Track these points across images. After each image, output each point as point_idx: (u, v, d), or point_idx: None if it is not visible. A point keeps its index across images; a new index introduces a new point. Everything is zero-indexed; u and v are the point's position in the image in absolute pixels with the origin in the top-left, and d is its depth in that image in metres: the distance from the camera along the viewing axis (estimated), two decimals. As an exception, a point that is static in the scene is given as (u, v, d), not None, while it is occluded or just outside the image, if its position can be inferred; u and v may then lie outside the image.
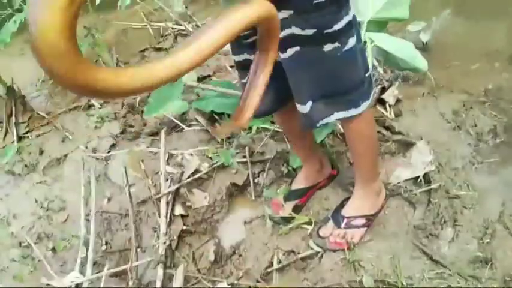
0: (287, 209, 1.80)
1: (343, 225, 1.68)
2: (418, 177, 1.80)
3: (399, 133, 2.04)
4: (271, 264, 1.72)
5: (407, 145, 1.96)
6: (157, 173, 2.08)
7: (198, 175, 2.00)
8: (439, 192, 1.74)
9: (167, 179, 1.99)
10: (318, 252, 1.70)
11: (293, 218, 1.78)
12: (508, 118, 2.04)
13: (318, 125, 1.38)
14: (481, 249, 1.58)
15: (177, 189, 1.98)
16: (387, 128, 2.08)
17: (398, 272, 1.57)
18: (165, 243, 1.78)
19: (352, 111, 1.35)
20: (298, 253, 1.72)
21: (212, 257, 1.78)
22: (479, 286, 1.49)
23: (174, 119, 2.35)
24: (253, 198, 1.96)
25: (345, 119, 1.38)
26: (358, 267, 1.62)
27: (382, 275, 1.58)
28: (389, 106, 2.19)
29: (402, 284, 1.54)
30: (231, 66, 2.62)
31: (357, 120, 1.40)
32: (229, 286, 1.62)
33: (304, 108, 1.33)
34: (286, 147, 2.04)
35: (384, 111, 2.17)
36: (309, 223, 1.77)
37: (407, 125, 2.09)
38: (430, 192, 1.75)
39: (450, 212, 1.69)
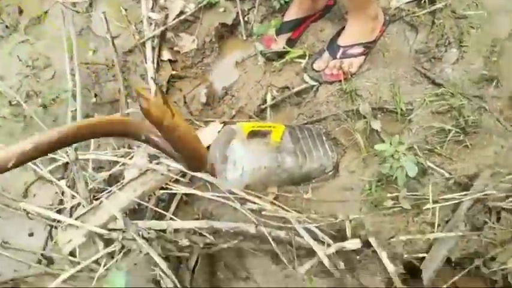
0: (280, 43, 1.67)
1: (339, 55, 1.57)
2: (422, -3, 1.63)
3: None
4: (265, 101, 1.65)
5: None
6: (142, 21, 1.94)
7: (183, 17, 1.84)
8: (444, 12, 1.58)
9: (151, 24, 1.85)
10: (313, 85, 1.61)
11: (286, 51, 1.66)
12: None
13: None
14: (487, 68, 1.47)
15: (163, 34, 1.85)
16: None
17: (397, 99, 1.48)
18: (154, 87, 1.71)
19: None
20: (293, 88, 1.64)
21: (204, 99, 1.71)
22: (482, 105, 1.41)
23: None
24: (244, 38, 1.83)
25: None
26: (355, 96, 1.54)
27: (381, 102, 1.50)
28: None
29: (402, 109, 1.47)
30: None
31: None
32: (222, 124, 1.57)
33: None
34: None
35: None
36: (303, 56, 1.65)
37: None
38: (434, 13, 1.59)
39: (456, 32, 1.55)
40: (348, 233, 1.28)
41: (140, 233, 1.27)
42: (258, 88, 1.69)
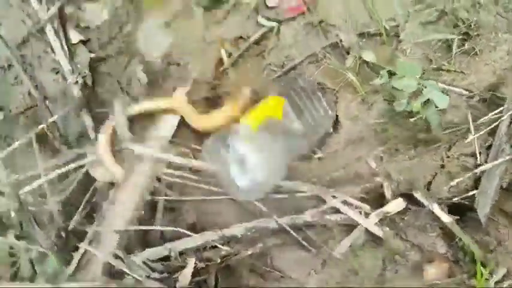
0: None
1: (295, -18, 1.28)
2: None
3: None
4: (220, 61, 1.35)
5: None
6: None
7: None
8: None
9: (41, 1, 1.43)
10: (273, 27, 1.32)
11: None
12: None
13: None
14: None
15: (61, 11, 1.44)
16: None
17: (377, 17, 1.24)
18: (77, 82, 1.33)
19: None
20: (248, 37, 1.35)
21: (144, 78, 1.37)
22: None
23: None
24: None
25: None
26: (327, 27, 1.28)
27: (360, 26, 1.25)
28: None
29: (386, 29, 1.24)
30: None
31: None
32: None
33: None
34: None
35: None
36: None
37: None
38: None
39: None
40: (388, 194, 1.08)
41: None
42: (204, 47, 1.37)
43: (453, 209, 1.10)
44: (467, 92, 1.13)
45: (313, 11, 1.28)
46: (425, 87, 1.05)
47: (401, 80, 1.07)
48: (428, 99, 1.04)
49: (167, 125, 1.29)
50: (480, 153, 1.09)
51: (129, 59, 1.44)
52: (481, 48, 1.16)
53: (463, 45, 1.17)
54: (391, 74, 1.18)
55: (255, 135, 1.03)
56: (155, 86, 1.36)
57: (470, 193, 1.07)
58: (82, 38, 1.43)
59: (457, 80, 1.16)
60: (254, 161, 1.02)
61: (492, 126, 1.11)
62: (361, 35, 1.25)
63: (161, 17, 1.46)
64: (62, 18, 1.44)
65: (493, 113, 1.09)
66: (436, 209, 1.05)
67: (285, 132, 1.09)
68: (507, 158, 1.05)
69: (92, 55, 1.42)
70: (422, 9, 1.22)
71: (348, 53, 1.22)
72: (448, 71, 1.17)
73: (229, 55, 1.34)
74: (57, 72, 1.41)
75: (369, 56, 1.19)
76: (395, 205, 1.08)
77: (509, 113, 1.07)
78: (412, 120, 1.14)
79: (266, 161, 1.03)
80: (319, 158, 1.23)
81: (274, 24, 1.31)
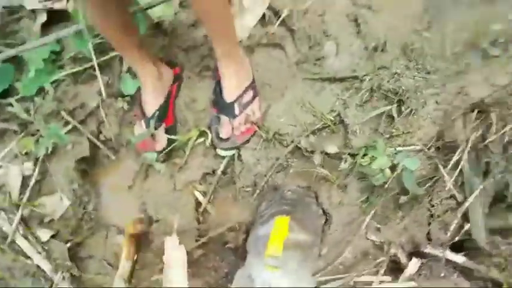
0: (161, 138, 1.43)
1: (237, 111, 1.40)
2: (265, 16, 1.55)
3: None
4: (198, 204, 1.40)
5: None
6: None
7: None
8: (295, 17, 1.52)
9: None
10: (233, 155, 1.42)
11: (175, 140, 1.42)
12: None
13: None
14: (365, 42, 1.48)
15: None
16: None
17: (318, 114, 1.39)
18: (63, 278, 1.30)
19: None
20: (214, 172, 1.42)
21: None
22: (393, 71, 1.40)
23: None
24: (113, 157, 1.52)
25: None
26: (279, 138, 1.39)
27: (307, 126, 1.38)
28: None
29: (331, 120, 1.38)
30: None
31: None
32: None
33: None
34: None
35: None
36: (201, 134, 1.44)
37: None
38: (284, 22, 1.52)
39: (318, 28, 1.50)
40: (403, 259, 1.15)
41: None
42: (176, 198, 1.41)
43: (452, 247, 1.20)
44: (422, 146, 1.27)
45: (263, 127, 1.40)
46: (395, 159, 1.17)
47: (376, 160, 1.19)
48: (404, 167, 1.16)
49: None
50: (458, 192, 1.22)
51: (106, 234, 1.43)
52: (415, 107, 1.33)
53: (400, 110, 1.33)
54: (351, 155, 1.31)
55: (282, 259, 1.06)
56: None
57: (466, 227, 1.18)
58: (52, 232, 1.41)
59: (407, 140, 1.31)
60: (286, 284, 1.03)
61: (459, 167, 1.24)
62: (313, 132, 1.38)
63: (121, 183, 1.50)
64: (26, 223, 1.42)
65: (456, 155, 1.23)
66: (450, 254, 1.14)
67: (297, 247, 1.12)
68: (479, 188, 1.18)
69: (68, 245, 1.40)
70: (353, 94, 1.39)
71: (312, 152, 1.33)
72: (397, 135, 1.31)
73: (204, 194, 1.40)
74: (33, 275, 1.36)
75: (332, 149, 1.30)
76: (413, 265, 1.14)
77: (466, 152, 1.21)
78: (386, 186, 1.25)
79: (297, 281, 1.05)
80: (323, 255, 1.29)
81: (234, 152, 1.41)
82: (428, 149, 1.27)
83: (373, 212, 1.26)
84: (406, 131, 1.32)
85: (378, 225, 1.26)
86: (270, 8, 1.52)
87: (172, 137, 1.42)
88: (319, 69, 1.47)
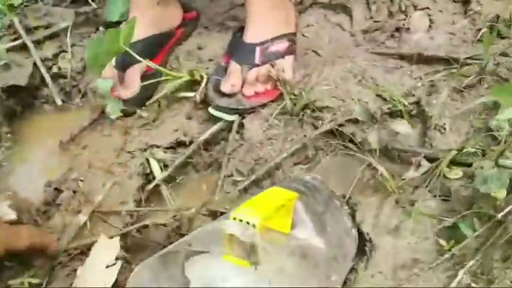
0: (131, 82, 0.92)
1: (258, 58, 0.87)
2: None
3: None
4: (149, 179, 0.83)
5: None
6: None
7: None
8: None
9: None
10: (232, 121, 0.87)
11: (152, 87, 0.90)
12: None
13: None
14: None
15: None
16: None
17: (388, 94, 0.84)
18: None
19: None
20: (191, 142, 0.86)
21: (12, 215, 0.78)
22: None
23: None
24: (60, 102, 1.00)
25: None
26: (311, 112, 0.84)
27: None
28: None
29: (404, 105, 0.82)
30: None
31: None
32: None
33: None
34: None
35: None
36: (190, 83, 0.91)
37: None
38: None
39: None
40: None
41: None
42: (118, 164, 0.85)
43: None
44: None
45: (290, 95, 0.86)
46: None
47: (481, 173, 0.61)
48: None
49: None
50: None
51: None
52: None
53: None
54: (428, 159, 0.74)
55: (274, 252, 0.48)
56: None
57: None
58: None
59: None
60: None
61: None
62: (371, 117, 0.82)
63: (53, 137, 0.96)
64: None
65: None
66: None
67: (302, 253, 0.53)
68: None
69: None
70: (448, 78, 0.85)
71: (361, 144, 0.76)
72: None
73: (164, 167, 0.83)
74: None
75: (402, 128, 0.74)
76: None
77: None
78: (498, 216, 0.63)
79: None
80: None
81: (235, 117, 0.86)
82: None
83: (472, 261, 0.63)
84: None
85: (474, 285, 0.61)
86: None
87: (149, 81, 0.91)
88: (397, 43, 0.96)
